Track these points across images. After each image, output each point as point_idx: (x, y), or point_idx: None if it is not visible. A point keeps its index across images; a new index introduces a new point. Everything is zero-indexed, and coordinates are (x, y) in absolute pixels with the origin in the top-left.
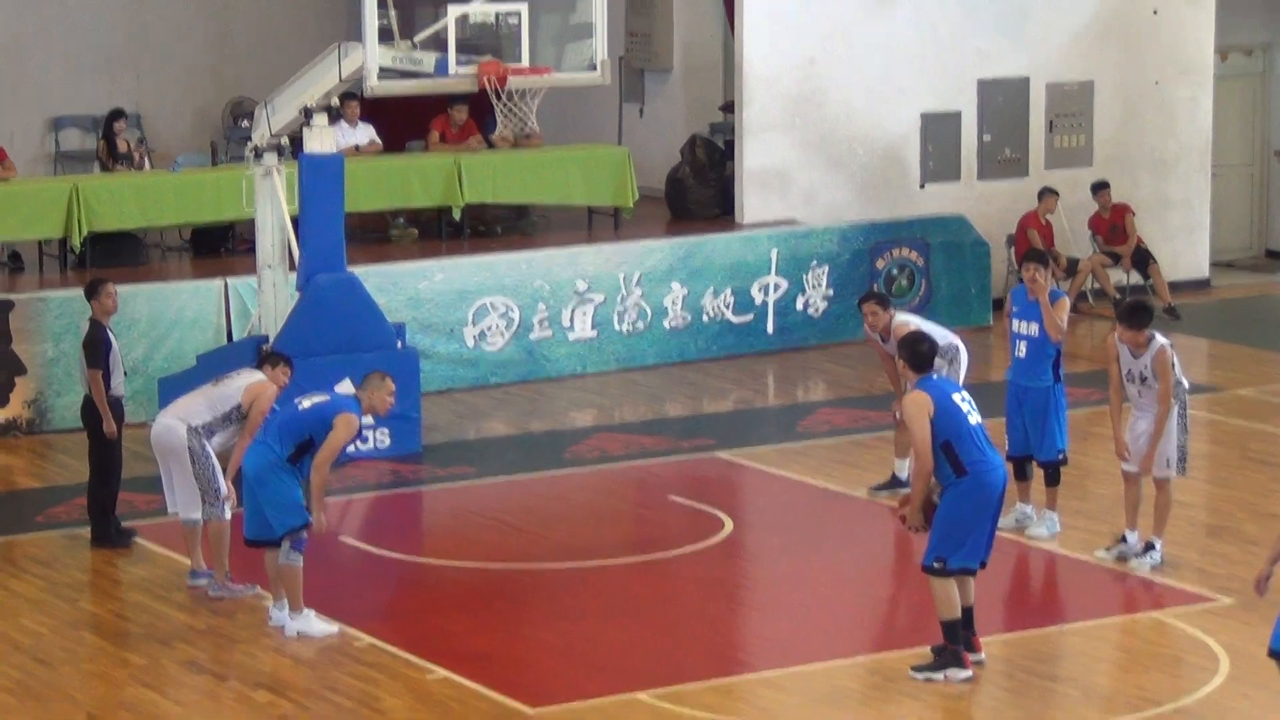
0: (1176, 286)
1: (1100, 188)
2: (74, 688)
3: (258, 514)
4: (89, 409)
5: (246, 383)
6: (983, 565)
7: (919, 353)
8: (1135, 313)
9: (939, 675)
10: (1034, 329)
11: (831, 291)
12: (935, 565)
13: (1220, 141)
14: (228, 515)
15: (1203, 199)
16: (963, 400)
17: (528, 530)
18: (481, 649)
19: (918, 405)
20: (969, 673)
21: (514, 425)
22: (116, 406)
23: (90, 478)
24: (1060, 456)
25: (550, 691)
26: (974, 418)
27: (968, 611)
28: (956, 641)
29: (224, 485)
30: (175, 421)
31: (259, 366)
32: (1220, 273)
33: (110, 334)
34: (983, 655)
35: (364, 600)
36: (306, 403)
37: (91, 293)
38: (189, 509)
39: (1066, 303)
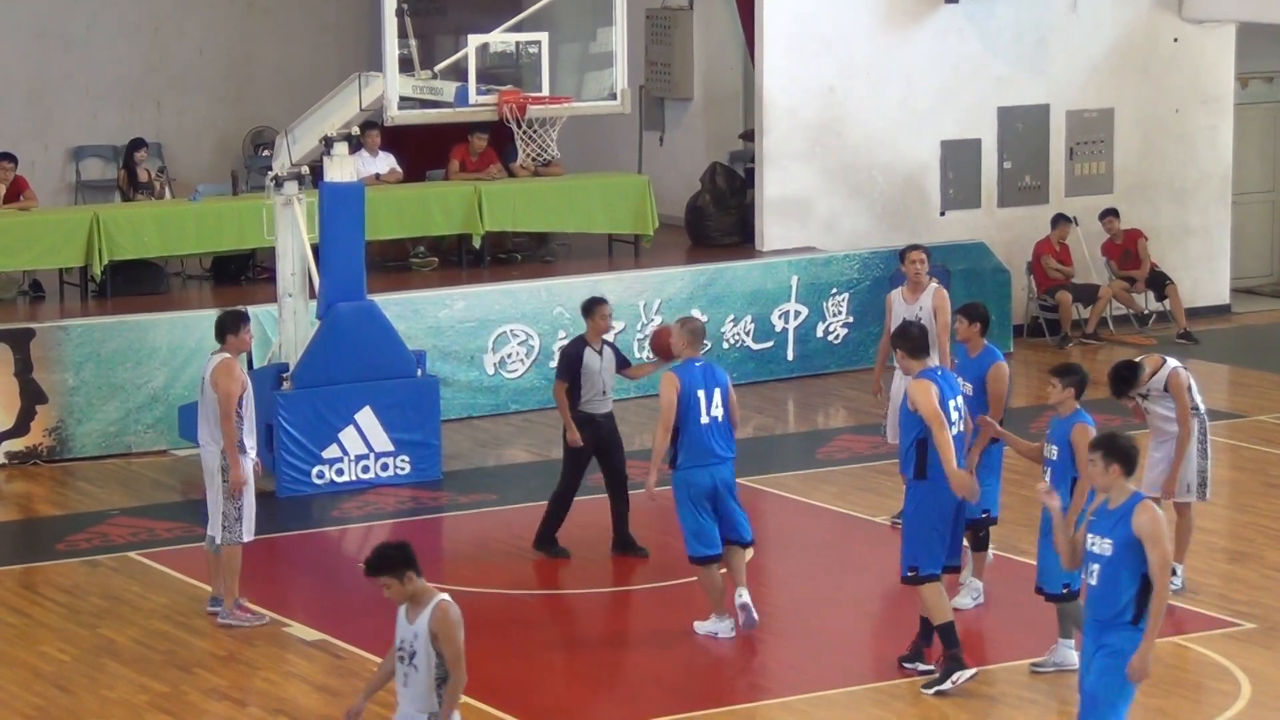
0: (1198, 313)
1: (1107, 214)
2: (95, 715)
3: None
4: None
5: (211, 371)
6: (949, 570)
7: (911, 336)
8: (1113, 382)
9: (947, 684)
10: (969, 387)
11: (851, 319)
12: (909, 574)
13: (1241, 168)
14: (247, 538)
15: (1223, 226)
16: (954, 409)
17: (548, 557)
18: (501, 675)
19: (924, 390)
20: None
21: (534, 452)
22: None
23: (561, 482)
24: (984, 515)
25: (569, 718)
26: (955, 429)
27: (926, 621)
28: (954, 644)
29: (249, 509)
30: (211, 445)
31: (223, 340)
32: (1241, 299)
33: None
34: (932, 666)
35: (385, 626)
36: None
37: (595, 309)
38: (217, 531)
39: (1003, 367)
